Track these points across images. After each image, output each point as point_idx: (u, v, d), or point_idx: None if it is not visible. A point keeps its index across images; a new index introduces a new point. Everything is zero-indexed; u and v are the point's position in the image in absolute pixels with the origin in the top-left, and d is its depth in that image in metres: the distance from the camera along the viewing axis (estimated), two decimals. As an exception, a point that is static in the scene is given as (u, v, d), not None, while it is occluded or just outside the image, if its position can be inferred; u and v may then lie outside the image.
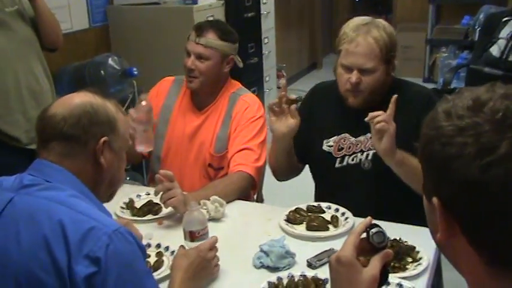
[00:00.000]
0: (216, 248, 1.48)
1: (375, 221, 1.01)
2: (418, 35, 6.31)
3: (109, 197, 1.29)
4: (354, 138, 1.87)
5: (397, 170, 1.69)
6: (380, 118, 1.63)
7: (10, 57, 2.19)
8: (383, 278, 0.96)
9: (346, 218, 1.74)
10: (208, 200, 1.81)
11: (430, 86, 5.25)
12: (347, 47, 1.76)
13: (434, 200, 0.70)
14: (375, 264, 0.95)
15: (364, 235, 0.98)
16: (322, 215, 1.77)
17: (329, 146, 1.90)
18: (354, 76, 1.76)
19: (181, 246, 1.49)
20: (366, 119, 1.65)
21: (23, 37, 2.25)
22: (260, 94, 4.08)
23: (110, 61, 3.00)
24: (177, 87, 2.20)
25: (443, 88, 4.01)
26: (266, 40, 4.23)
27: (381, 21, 1.82)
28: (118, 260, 1.04)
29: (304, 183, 2.08)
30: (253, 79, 3.94)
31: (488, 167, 0.63)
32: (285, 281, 1.44)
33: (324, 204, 1.83)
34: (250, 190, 2.04)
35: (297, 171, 2.06)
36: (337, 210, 1.80)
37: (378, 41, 1.73)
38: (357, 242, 0.96)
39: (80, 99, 1.18)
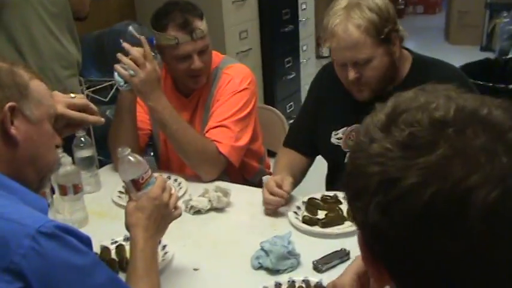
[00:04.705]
0: (169, 187, 1.25)
1: None
2: (476, -1, 5.86)
3: (39, 183, 1.06)
4: None
5: None
6: None
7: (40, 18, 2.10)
8: None
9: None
10: (212, 188, 1.62)
11: (487, 55, 4.87)
12: (330, 43, 1.51)
13: (359, 235, 0.58)
14: None
15: None
16: (339, 206, 1.57)
17: (338, 139, 1.68)
18: (350, 73, 1.51)
19: (130, 199, 1.23)
20: None
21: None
22: (295, 65, 3.83)
23: (130, 29, 2.82)
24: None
25: (499, 58, 3.63)
26: (304, 6, 3.94)
27: None
28: (48, 265, 0.85)
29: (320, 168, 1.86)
30: (287, 49, 3.69)
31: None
32: (283, 287, 1.26)
33: (340, 194, 1.62)
34: (225, 170, 1.81)
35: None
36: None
37: (360, 26, 1.45)
38: (361, 272, 0.81)
39: None
